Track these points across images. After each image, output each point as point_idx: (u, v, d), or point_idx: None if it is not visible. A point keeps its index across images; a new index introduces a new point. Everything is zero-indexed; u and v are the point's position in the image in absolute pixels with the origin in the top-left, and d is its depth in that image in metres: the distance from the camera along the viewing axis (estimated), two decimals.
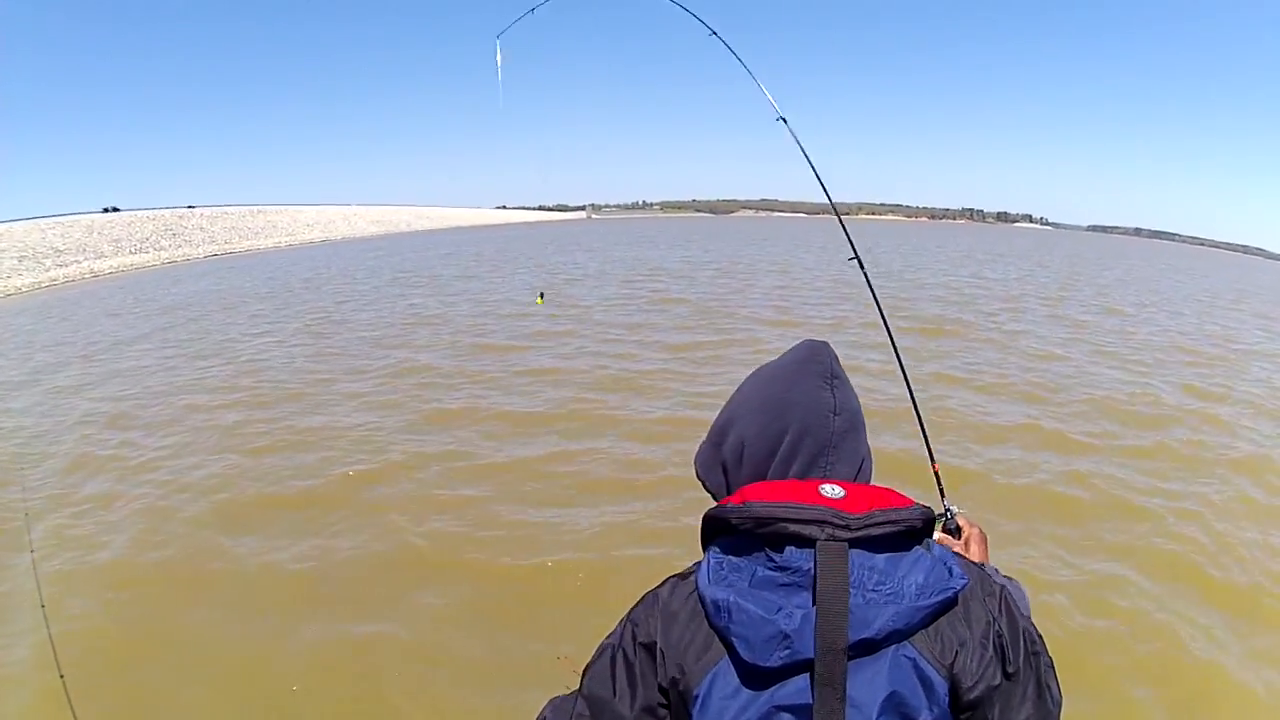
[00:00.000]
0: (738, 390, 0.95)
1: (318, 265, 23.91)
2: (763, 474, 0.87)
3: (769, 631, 0.73)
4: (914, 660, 0.76)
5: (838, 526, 0.75)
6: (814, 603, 0.74)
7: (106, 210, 40.49)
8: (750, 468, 0.88)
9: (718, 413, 0.97)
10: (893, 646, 0.75)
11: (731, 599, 0.75)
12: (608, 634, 0.85)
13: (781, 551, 0.76)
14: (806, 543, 0.76)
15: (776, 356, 0.96)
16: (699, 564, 0.81)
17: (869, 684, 0.74)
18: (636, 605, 0.84)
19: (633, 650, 0.80)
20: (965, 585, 0.78)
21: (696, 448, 0.97)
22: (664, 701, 0.78)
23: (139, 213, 37.26)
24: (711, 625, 0.76)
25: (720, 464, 0.92)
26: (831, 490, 0.80)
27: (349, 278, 19.29)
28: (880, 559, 0.76)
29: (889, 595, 0.75)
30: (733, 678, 0.75)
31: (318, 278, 19.48)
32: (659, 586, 0.84)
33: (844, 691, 0.74)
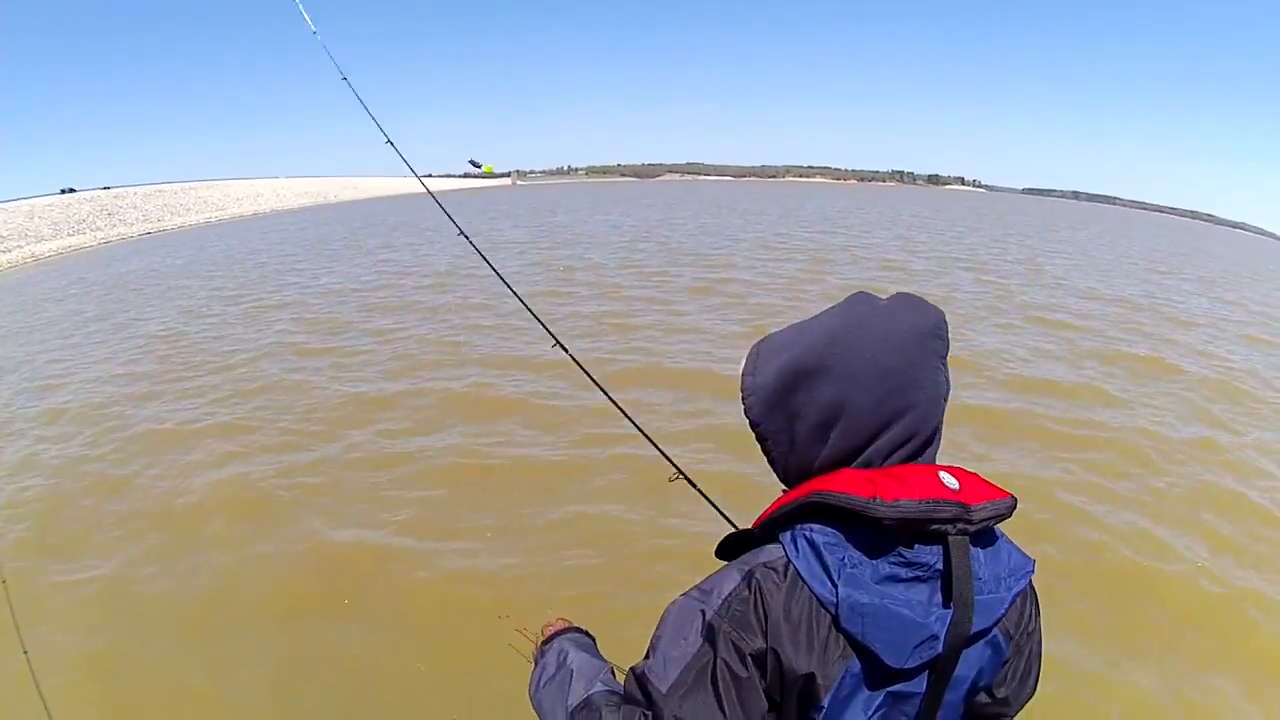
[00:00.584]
0: (832, 336, 0.79)
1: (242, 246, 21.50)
2: (860, 447, 0.78)
3: (921, 635, 0.72)
4: (997, 637, 0.79)
5: (965, 521, 0.73)
6: (946, 601, 0.73)
7: (64, 191, 39.65)
8: (848, 439, 0.78)
9: (779, 342, 0.84)
10: (994, 629, 0.77)
11: (877, 603, 0.71)
12: (675, 646, 0.76)
13: (912, 547, 0.74)
14: (936, 538, 0.74)
15: (882, 302, 0.82)
16: (784, 550, 0.75)
17: (966, 663, 0.76)
18: (722, 608, 0.74)
19: (740, 664, 0.72)
20: (1034, 565, 0.80)
21: (744, 370, 0.86)
22: (772, 709, 0.74)
23: (80, 194, 37.10)
24: (841, 628, 0.72)
25: (792, 414, 0.81)
26: (950, 481, 0.76)
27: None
28: (986, 549, 0.77)
29: (1001, 585, 0.76)
30: (856, 678, 0.74)
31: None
32: (743, 583, 0.75)
33: (950, 677, 0.76)
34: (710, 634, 0.74)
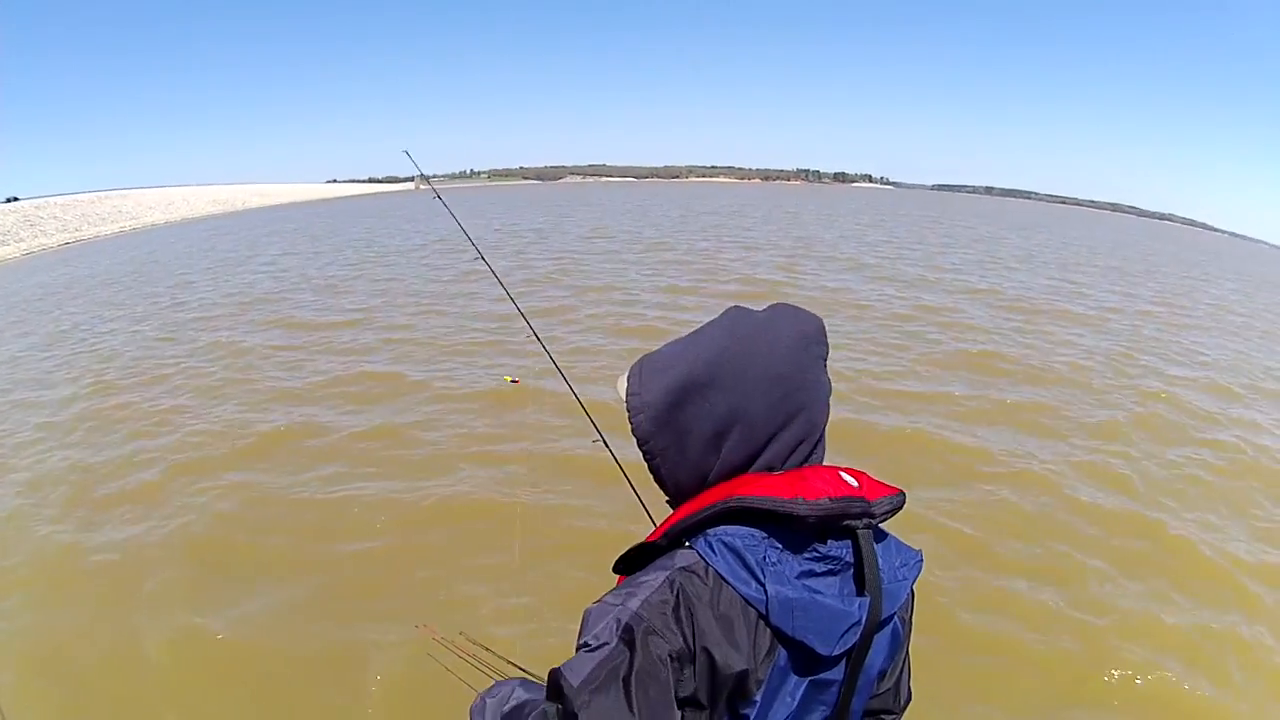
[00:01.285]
0: (719, 349, 0.85)
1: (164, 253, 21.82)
2: (755, 453, 0.83)
3: (847, 622, 0.77)
4: (897, 624, 0.87)
5: (869, 516, 0.80)
6: (861, 590, 0.79)
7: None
8: (744, 446, 0.83)
9: (663, 360, 0.89)
10: (895, 615, 0.84)
11: (805, 596, 0.76)
12: (591, 656, 0.75)
13: (825, 543, 0.79)
14: (845, 533, 0.80)
15: (762, 313, 0.88)
16: (700, 555, 0.78)
17: (875, 650, 0.83)
18: (641, 609, 0.75)
19: (655, 665, 0.73)
20: (921, 556, 0.87)
21: (625, 385, 0.90)
22: (694, 708, 0.76)
23: (3, 205, 39.53)
24: (771, 623, 0.75)
25: (682, 429, 0.85)
26: (850, 480, 0.82)
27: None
28: (880, 543, 0.84)
29: (898, 574, 0.83)
30: (782, 670, 0.78)
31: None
32: (664, 586, 0.77)
33: (863, 663, 0.82)
34: (627, 635, 0.74)
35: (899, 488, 0.85)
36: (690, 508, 0.83)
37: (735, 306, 0.90)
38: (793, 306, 0.89)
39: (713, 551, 0.78)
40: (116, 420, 6.32)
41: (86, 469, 5.28)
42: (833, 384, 0.90)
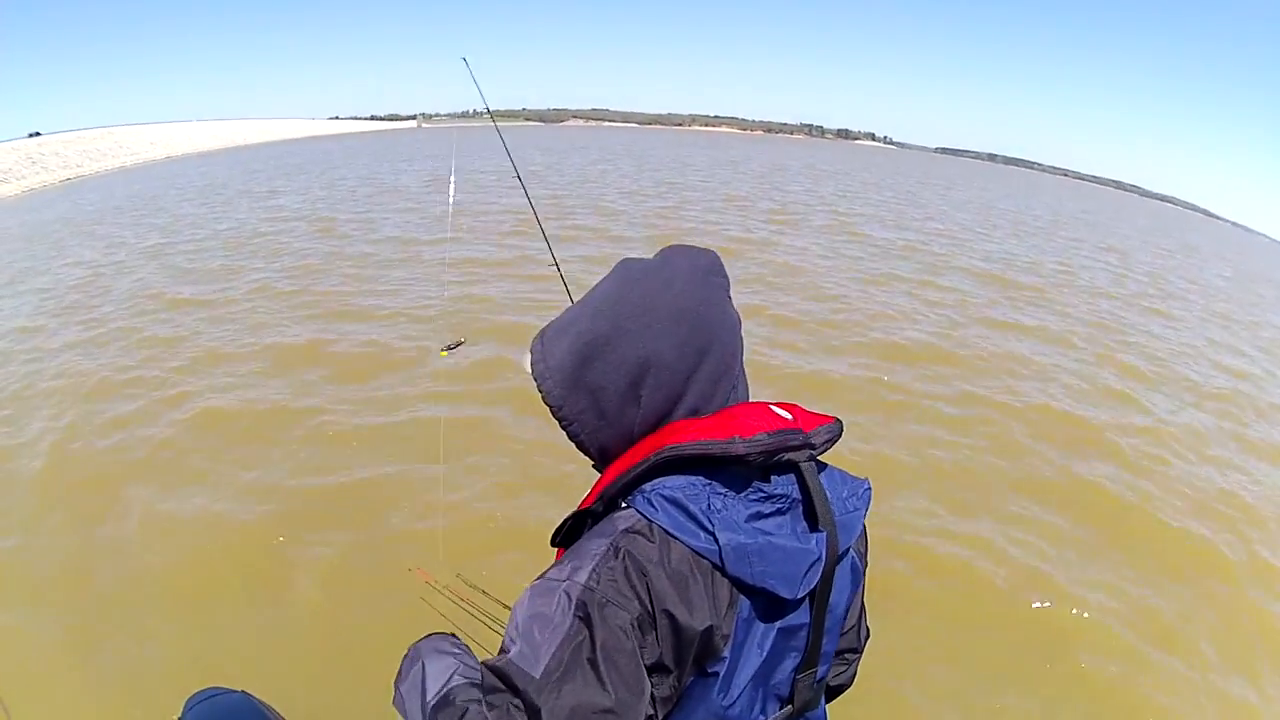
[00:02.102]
0: (615, 298, 0.81)
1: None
2: (677, 395, 0.80)
3: (807, 561, 0.74)
4: (854, 558, 0.84)
5: (810, 447, 0.77)
6: (813, 526, 0.76)
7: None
8: (663, 390, 0.79)
9: (560, 324, 0.84)
10: (850, 549, 0.81)
11: (760, 541, 0.72)
12: (542, 631, 0.70)
13: (769, 481, 0.76)
14: (787, 468, 0.77)
15: (652, 258, 0.85)
16: (640, 513, 0.74)
17: (837, 588, 0.81)
18: (590, 581, 0.71)
19: (618, 636, 0.69)
20: (869, 483, 0.85)
21: (529, 360, 0.85)
22: (662, 673, 0.72)
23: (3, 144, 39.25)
24: (728, 574, 0.72)
25: (595, 387, 0.80)
26: (783, 413, 0.80)
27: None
28: (823, 474, 0.81)
29: (849, 505, 0.80)
30: (746, 621, 0.75)
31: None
32: (609, 553, 0.72)
33: (828, 602, 0.80)
34: (582, 610, 0.70)
35: (834, 416, 0.83)
36: (621, 466, 0.80)
37: (624, 258, 0.88)
38: (684, 245, 0.87)
39: (653, 507, 0.74)
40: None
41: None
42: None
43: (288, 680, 2.63)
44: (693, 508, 0.73)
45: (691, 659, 0.73)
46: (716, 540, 0.72)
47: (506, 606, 2.42)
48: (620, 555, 0.72)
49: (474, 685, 0.76)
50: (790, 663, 0.81)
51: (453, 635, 0.93)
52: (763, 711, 0.81)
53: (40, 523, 3.84)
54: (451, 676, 0.78)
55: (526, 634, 0.72)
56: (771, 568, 0.73)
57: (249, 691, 1.74)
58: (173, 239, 12.04)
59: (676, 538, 0.73)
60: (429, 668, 0.81)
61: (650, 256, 0.86)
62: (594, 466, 0.90)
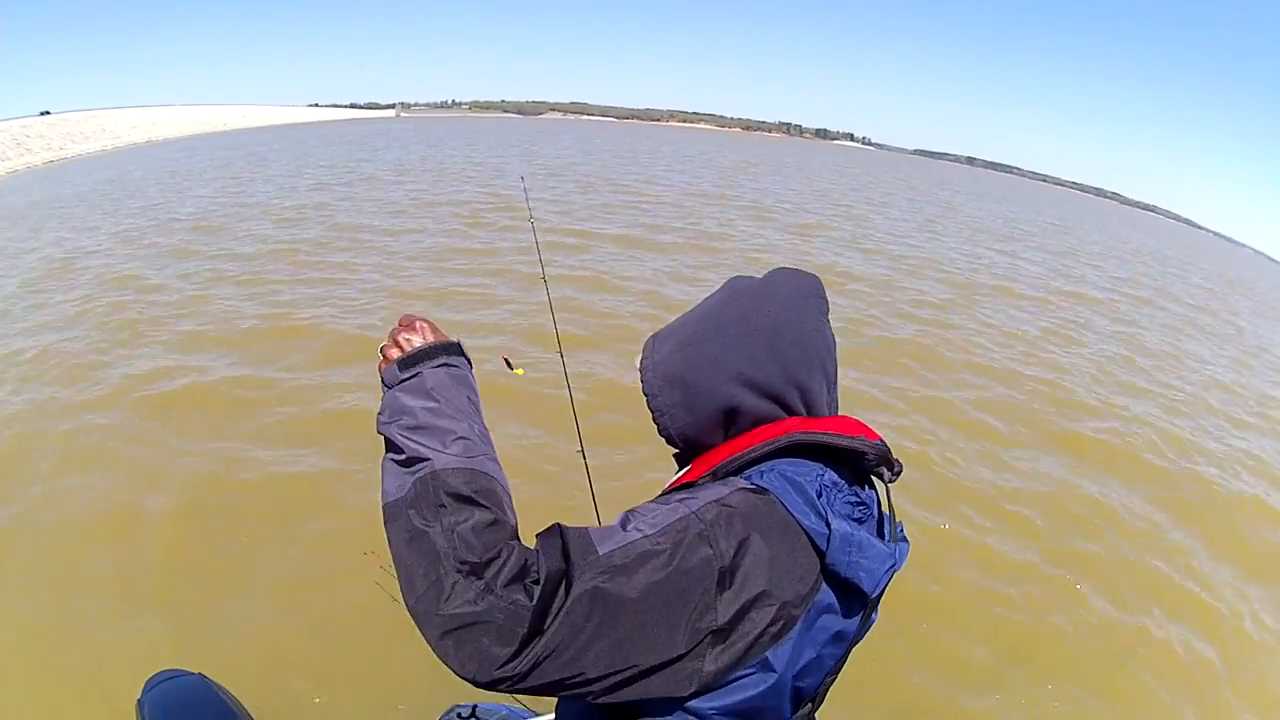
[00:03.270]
0: (715, 309, 0.90)
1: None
2: (772, 401, 0.85)
3: (889, 564, 0.78)
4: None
5: (890, 469, 0.83)
6: (886, 536, 0.83)
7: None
8: (756, 396, 0.85)
9: (670, 328, 0.94)
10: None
11: (863, 535, 0.76)
12: (631, 533, 0.71)
13: (862, 488, 0.83)
14: (868, 482, 0.84)
15: (760, 277, 0.92)
16: (760, 484, 0.76)
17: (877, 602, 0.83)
18: (702, 514, 0.73)
19: (694, 579, 0.69)
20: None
21: (642, 356, 0.94)
22: (724, 636, 0.71)
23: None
24: (828, 561, 0.74)
25: (692, 385, 0.87)
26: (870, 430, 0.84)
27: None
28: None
29: (900, 533, 0.85)
30: (822, 609, 0.76)
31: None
32: (733, 497, 0.75)
33: (874, 613, 0.84)
34: (678, 532, 0.70)
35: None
36: (738, 445, 0.83)
37: (735, 275, 0.95)
38: (791, 268, 0.93)
39: (773, 482, 0.76)
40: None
41: None
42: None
43: (243, 662, 2.74)
44: (810, 490, 0.76)
45: (755, 632, 0.71)
46: (828, 525, 0.74)
47: None
48: (737, 504, 0.74)
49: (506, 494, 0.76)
50: (830, 663, 0.81)
51: (462, 356, 0.88)
52: (792, 707, 0.80)
53: None
54: (483, 464, 0.76)
55: (617, 523, 0.74)
56: (866, 562, 0.76)
57: (205, 674, 1.81)
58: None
59: (791, 513, 0.74)
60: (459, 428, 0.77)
61: (758, 276, 0.93)
62: (675, 456, 0.96)
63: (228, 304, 7.45)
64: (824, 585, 0.75)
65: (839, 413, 0.90)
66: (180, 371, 5.67)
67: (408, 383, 0.81)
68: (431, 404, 0.78)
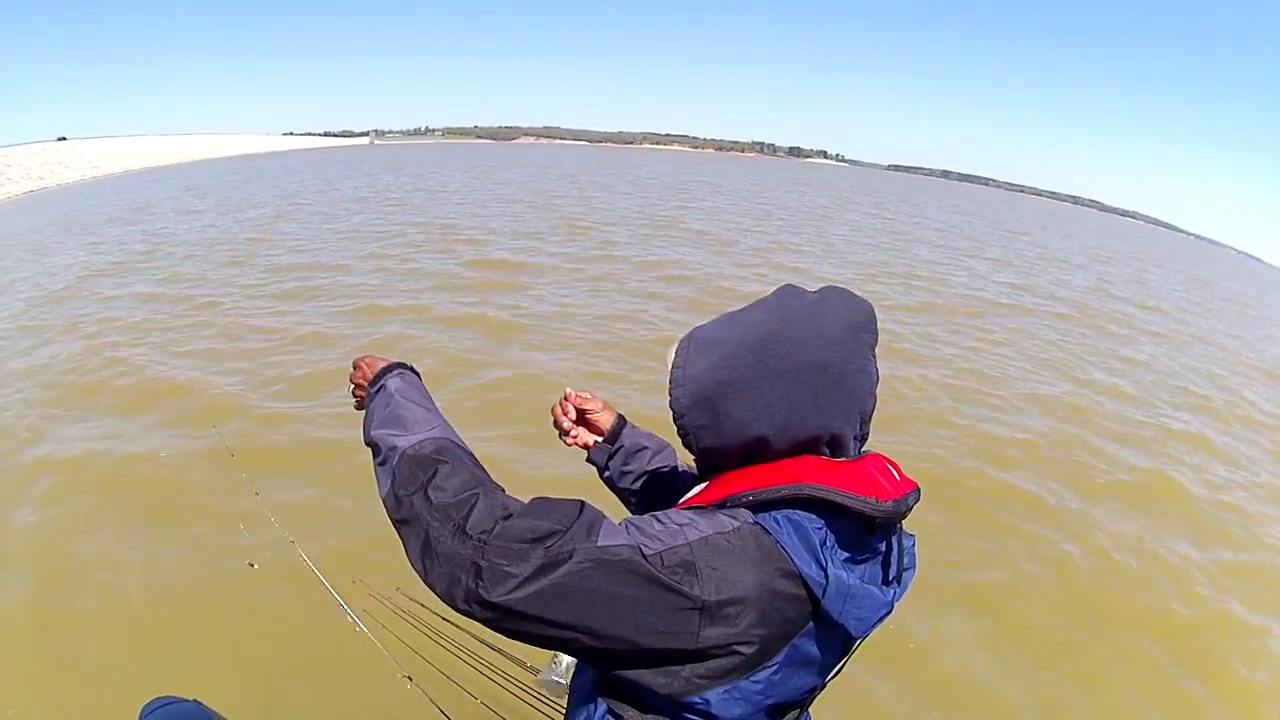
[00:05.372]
0: (766, 333, 0.85)
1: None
2: (803, 439, 0.84)
3: (883, 610, 0.81)
4: None
5: (905, 515, 0.83)
6: (886, 578, 0.84)
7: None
8: (790, 433, 0.84)
9: (710, 336, 0.90)
10: None
11: (859, 584, 0.78)
12: (635, 533, 0.77)
13: (873, 534, 0.82)
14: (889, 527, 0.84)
15: (813, 296, 0.88)
16: (766, 527, 0.79)
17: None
18: (711, 538, 0.77)
19: (674, 611, 0.73)
20: (914, 539, 0.91)
21: (672, 356, 0.91)
22: (694, 660, 0.76)
23: None
24: (821, 605, 0.77)
25: (724, 413, 0.86)
26: (894, 473, 0.84)
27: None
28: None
29: (908, 561, 0.88)
30: (805, 644, 0.80)
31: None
32: (735, 533, 0.78)
33: (857, 647, 0.85)
34: (684, 552, 0.75)
35: (915, 482, 0.86)
36: (752, 482, 0.83)
37: (788, 286, 0.90)
38: (845, 291, 0.89)
39: (779, 527, 0.78)
40: None
41: None
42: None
43: (240, 688, 2.72)
44: (814, 540, 0.78)
45: (738, 667, 0.76)
46: (827, 575, 0.77)
47: (445, 619, 2.43)
48: (741, 538, 0.77)
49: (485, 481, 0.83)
50: (815, 681, 0.86)
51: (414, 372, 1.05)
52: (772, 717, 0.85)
53: None
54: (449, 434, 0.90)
55: (620, 527, 0.77)
56: (857, 610, 0.78)
57: (200, 700, 1.79)
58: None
59: (790, 558, 0.76)
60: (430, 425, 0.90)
61: (811, 293, 0.89)
62: (695, 462, 0.98)
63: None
64: (810, 624, 0.79)
65: (867, 447, 0.90)
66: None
67: (376, 395, 0.98)
68: (396, 401, 0.94)
